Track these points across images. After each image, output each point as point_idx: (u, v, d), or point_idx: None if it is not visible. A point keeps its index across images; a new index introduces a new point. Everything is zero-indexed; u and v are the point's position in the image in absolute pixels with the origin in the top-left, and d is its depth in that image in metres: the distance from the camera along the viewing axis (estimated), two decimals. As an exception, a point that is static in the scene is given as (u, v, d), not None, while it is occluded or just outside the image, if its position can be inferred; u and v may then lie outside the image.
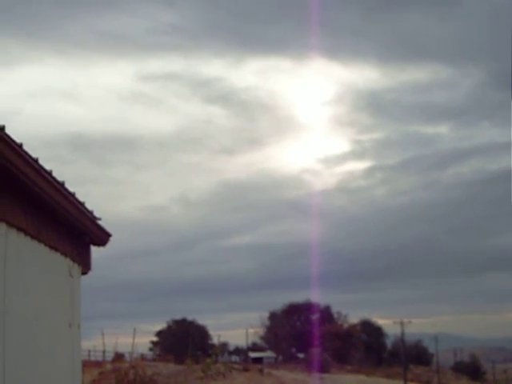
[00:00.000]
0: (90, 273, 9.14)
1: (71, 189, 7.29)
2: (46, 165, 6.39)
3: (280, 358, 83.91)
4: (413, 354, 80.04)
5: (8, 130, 5.47)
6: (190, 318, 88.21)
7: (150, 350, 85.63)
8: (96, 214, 8.35)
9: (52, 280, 7.62)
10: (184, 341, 78.57)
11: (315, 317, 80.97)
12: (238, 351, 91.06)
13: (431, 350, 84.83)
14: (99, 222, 8.57)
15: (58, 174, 6.77)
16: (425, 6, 63.98)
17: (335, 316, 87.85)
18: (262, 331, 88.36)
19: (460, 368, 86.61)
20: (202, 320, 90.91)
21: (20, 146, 5.77)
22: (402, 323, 69.66)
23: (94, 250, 9.36)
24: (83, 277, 8.92)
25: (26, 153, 5.90)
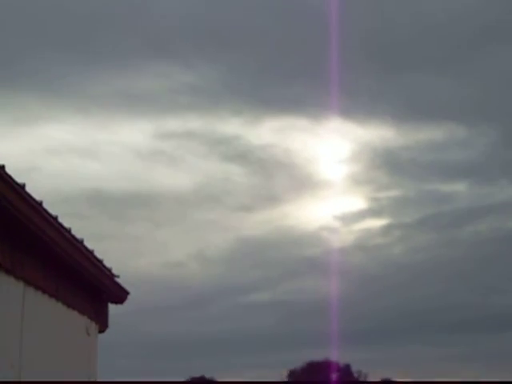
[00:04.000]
0: (108, 329, 9.07)
1: (90, 244, 7.27)
2: (66, 221, 6.40)
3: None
4: (435, 415, 78.36)
5: (28, 187, 5.51)
6: (208, 375, 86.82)
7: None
8: (115, 270, 8.28)
9: (69, 338, 7.57)
10: (202, 399, 77.82)
11: (335, 375, 79.46)
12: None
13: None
14: (117, 280, 8.51)
15: (77, 230, 6.77)
16: (438, 66, 64.17)
17: (355, 375, 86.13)
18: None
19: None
20: (221, 377, 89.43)
21: (40, 203, 5.81)
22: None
23: (112, 307, 9.34)
24: (100, 335, 8.84)
25: (46, 211, 5.91)
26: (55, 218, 6.18)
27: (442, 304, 52.74)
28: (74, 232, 6.81)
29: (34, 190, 5.63)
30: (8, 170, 5.17)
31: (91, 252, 7.40)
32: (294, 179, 55.87)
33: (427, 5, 44.88)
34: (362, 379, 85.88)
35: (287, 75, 53.46)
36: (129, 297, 9.21)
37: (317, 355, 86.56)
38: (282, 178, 55.16)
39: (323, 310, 47.37)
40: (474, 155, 55.60)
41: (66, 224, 6.54)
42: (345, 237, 56.61)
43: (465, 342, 55.15)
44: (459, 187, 57.58)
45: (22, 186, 5.44)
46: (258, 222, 56.56)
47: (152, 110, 53.95)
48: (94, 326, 8.50)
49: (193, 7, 44.76)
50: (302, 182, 54.08)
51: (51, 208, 6.07)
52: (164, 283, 53.00)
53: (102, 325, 8.88)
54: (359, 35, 45.19)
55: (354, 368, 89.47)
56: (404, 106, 55.78)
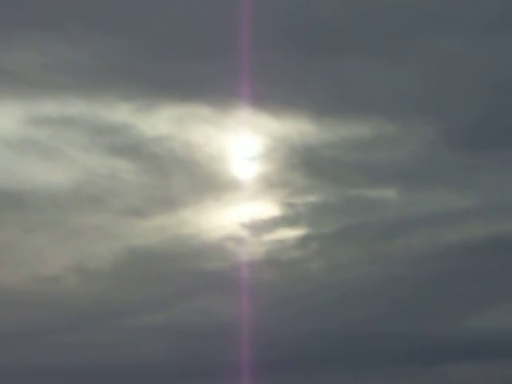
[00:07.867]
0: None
1: None
2: None
3: None
4: None
5: None
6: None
7: None
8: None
9: None
10: None
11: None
12: None
13: None
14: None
15: None
16: (369, 54, 64.32)
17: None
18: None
19: None
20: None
21: None
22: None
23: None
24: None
25: None
26: None
27: (367, 330, 53.02)
28: None
29: None
30: None
31: None
32: (194, 179, 55.04)
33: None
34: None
35: (189, 55, 52.58)
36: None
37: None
38: (181, 177, 54.32)
39: (229, 335, 47.27)
40: (406, 156, 55.42)
41: None
42: (254, 249, 56.21)
43: (392, 374, 55.79)
44: (388, 193, 57.36)
45: None
46: (151, 230, 55.56)
47: (24, 91, 52.55)
48: None
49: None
50: (204, 183, 53.53)
51: None
52: (35, 302, 51.70)
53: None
54: (278, 9, 44.89)
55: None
56: (328, 97, 55.46)
